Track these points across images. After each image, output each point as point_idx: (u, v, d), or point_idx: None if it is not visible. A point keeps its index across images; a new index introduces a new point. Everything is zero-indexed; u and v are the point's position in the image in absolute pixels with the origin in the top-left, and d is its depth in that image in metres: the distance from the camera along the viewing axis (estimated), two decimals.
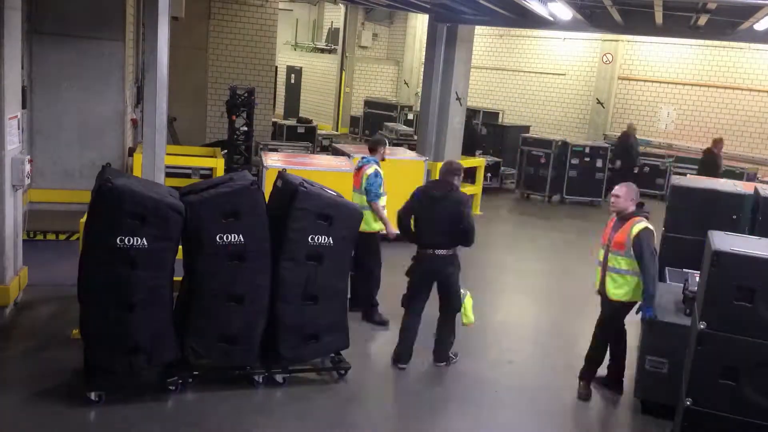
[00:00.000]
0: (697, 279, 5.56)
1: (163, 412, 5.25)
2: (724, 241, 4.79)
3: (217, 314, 5.40)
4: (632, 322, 6.16)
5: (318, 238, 5.61)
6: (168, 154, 7.16)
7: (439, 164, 12.28)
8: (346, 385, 5.87)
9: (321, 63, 24.89)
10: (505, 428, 5.62)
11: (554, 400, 6.02)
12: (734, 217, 7.11)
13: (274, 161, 8.45)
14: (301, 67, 25.87)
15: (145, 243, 5.05)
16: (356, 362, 6.09)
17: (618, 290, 5.81)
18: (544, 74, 20.27)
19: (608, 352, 6.11)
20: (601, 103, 19.06)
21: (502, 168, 15.94)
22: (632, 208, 5.78)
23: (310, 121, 16.57)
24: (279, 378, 5.69)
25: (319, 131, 16.85)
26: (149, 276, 5.12)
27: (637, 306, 5.83)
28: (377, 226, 7.24)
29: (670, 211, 7.57)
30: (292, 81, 25.94)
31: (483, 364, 6.61)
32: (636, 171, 15.23)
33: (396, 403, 6.02)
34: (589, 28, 11.50)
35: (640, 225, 5.69)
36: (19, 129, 6.61)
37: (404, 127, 18.66)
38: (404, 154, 11.45)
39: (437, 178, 6.63)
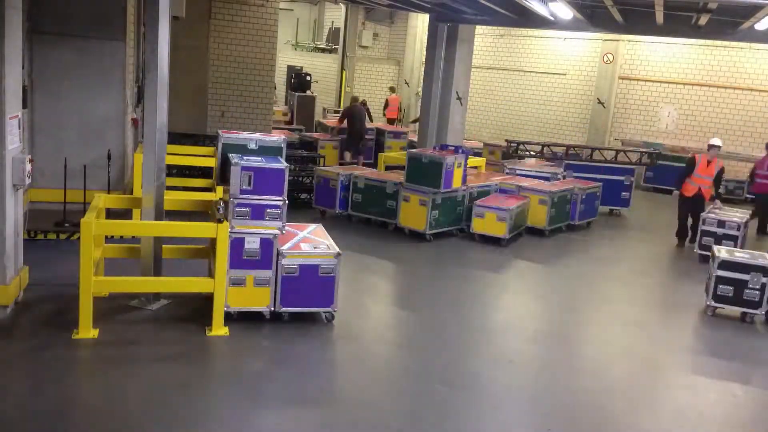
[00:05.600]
0: None
1: None
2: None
3: None
4: None
5: None
6: (168, 153, 7.16)
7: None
8: None
9: (322, 63, 24.89)
10: (505, 427, 5.61)
11: (554, 400, 6.01)
12: None
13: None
14: (301, 67, 25.82)
15: None
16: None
17: None
18: (545, 74, 20.26)
19: None
20: (602, 103, 19.06)
21: None
22: None
23: None
24: None
25: None
26: None
27: None
28: None
29: None
30: (293, 81, 25.85)
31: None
32: None
33: (399, 403, 6.02)
34: (590, 27, 11.50)
35: None
36: (19, 128, 6.60)
37: None
38: None
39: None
